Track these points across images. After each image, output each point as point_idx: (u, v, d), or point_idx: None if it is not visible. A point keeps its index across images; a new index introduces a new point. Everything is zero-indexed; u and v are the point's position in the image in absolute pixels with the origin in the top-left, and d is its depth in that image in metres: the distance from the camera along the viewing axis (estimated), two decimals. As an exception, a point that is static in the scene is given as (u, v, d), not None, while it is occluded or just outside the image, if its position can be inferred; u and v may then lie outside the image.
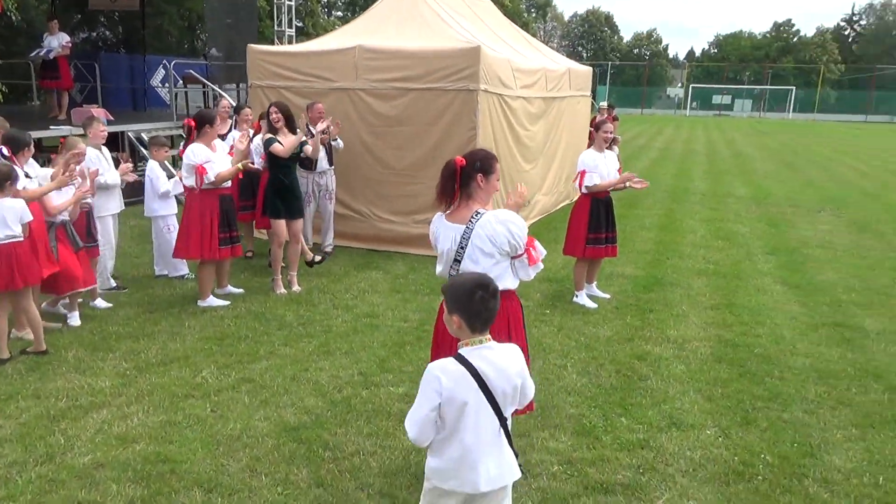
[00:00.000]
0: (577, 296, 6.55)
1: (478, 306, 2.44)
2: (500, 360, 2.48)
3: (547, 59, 10.96)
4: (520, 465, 2.65)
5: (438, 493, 2.56)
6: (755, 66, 70.25)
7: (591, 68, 12.76)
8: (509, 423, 2.56)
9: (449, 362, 2.46)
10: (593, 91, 14.40)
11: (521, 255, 3.27)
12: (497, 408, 2.46)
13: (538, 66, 9.82)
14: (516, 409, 2.66)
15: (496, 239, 3.19)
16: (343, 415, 4.30)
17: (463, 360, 2.44)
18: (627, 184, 6.31)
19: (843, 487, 3.66)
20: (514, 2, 45.08)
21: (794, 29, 74.00)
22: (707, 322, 6.12)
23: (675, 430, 4.19)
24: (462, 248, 3.23)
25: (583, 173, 6.27)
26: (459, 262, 3.25)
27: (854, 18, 79.81)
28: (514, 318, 3.42)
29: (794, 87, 61.01)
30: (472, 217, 3.24)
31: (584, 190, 6.31)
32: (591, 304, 6.45)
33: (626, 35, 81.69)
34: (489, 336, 2.50)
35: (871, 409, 4.55)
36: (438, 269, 3.42)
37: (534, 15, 67.72)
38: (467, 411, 2.42)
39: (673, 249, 8.79)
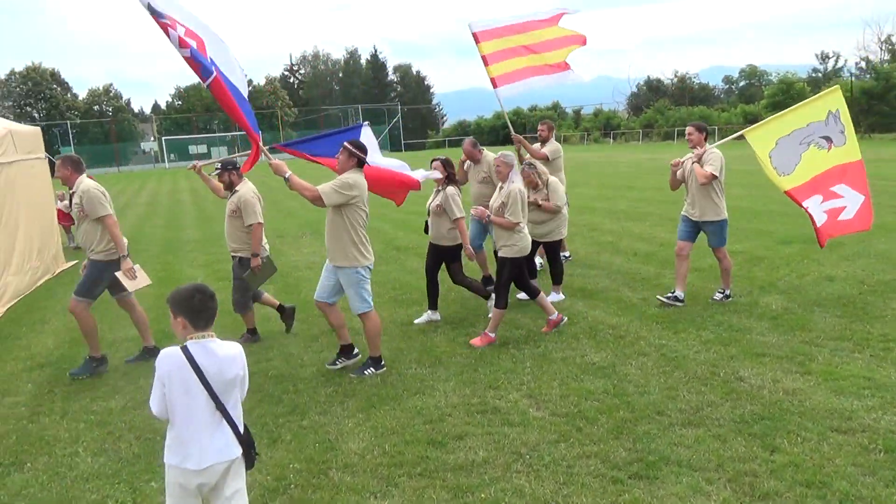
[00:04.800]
0: None
1: (198, 306, 2.81)
2: (222, 352, 2.85)
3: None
4: (254, 453, 2.96)
5: (174, 478, 2.83)
6: (221, 115, 73.75)
7: (38, 128, 11.53)
8: (234, 408, 2.88)
9: (175, 350, 2.81)
10: (54, 152, 13.15)
11: None
12: (213, 393, 2.79)
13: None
14: None
15: None
16: None
17: (186, 350, 2.79)
18: None
19: (360, 466, 4.16)
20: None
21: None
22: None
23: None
24: None
25: None
26: None
27: (294, 68, 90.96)
28: None
29: (260, 131, 66.30)
30: None
31: None
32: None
33: (81, 92, 76.91)
34: (212, 333, 2.86)
35: (370, 392, 5.29)
36: None
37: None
38: (183, 393, 2.77)
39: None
